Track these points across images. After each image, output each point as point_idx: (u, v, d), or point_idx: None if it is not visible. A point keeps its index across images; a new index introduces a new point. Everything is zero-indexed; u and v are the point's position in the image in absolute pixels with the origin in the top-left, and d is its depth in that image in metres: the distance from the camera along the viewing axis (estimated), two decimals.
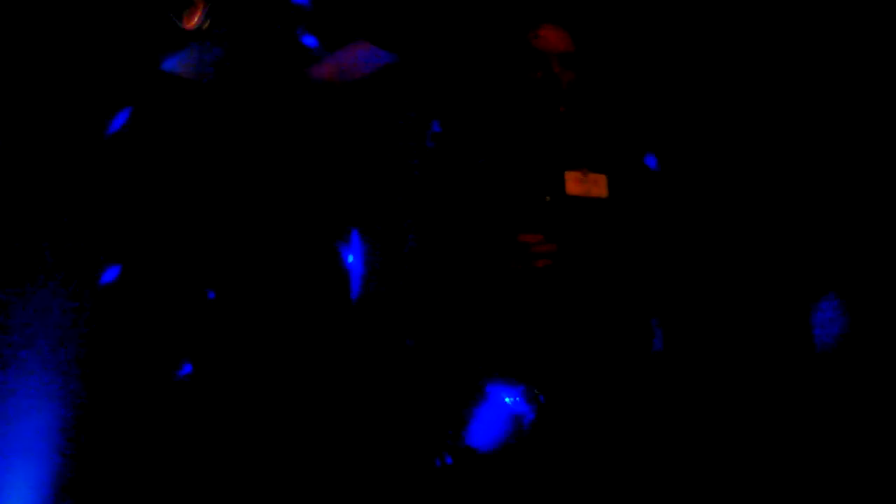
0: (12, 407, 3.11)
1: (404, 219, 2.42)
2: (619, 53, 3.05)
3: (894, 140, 2.70)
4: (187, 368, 3.37)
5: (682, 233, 2.63)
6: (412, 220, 2.41)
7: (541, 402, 2.20)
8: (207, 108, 3.49)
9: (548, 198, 2.27)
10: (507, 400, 2.20)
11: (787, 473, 2.72)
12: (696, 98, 3.02)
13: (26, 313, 3.16)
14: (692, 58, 3.03)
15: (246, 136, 3.52)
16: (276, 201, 3.50)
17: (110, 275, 3.31)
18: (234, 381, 3.40)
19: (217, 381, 3.39)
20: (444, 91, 3.18)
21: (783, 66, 2.88)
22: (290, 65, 3.46)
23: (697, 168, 2.96)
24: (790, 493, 2.73)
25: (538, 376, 2.24)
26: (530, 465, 2.21)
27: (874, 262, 2.68)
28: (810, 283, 2.72)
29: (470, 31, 3.16)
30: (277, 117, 3.52)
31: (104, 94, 3.32)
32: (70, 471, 3.16)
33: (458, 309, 2.28)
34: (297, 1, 3.38)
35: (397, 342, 2.39)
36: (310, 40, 3.41)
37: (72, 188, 3.27)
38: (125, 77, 3.35)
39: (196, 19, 3.27)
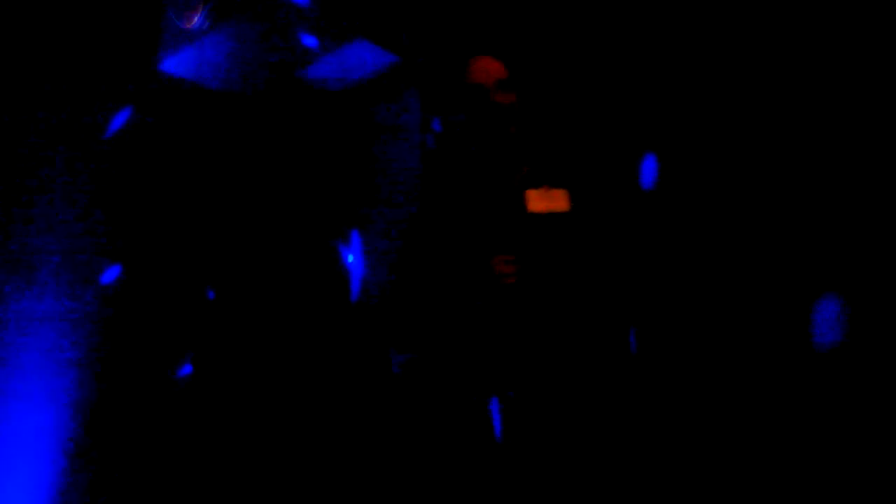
0: (12, 407, 3.12)
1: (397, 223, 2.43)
2: (562, 68, 3.06)
3: (890, 140, 2.68)
4: (187, 368, 3.38)
5: (661, 239, 2.64)
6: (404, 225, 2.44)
7: (516, 408, 2.22)
8: (208, 109, 3.49)
9: (514, 216, 2.32)
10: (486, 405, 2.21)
11: (784, 476, 2.71)
12: (667, 98, 3.00)
13: (26, 313, 3.17)
14: (635, 63, 3.01)
15: (246, 137, 3.52)
16: (275, 202, 3.51)
17: (110, 275, 3.32)
18: (234, 382, 3.40)
19: (217, 382, 3.40)
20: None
21: (752, 60, 2.85)
22: (290, 65, 3.46)
23: (674, 171, 2.94)
24: (788, 494, 2.72)
25: (514, 384, 2.26)
26: (507, 468, 2.23)
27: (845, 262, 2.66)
28: (792, 289, 2.70)
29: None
30: (277, 118, 3.53)
31: (104, 94, 3.33)
32: (70, 471, 3.17)
33: (440, 317, 2.30)
34: (297, 1, 3.38)
35: (389, 349, 2.41)
36: (310, 40, 3.41)
37: (72, 188, 3.27)
38: (125, 77, 3.36)
39: (196, 19, 3.28)
